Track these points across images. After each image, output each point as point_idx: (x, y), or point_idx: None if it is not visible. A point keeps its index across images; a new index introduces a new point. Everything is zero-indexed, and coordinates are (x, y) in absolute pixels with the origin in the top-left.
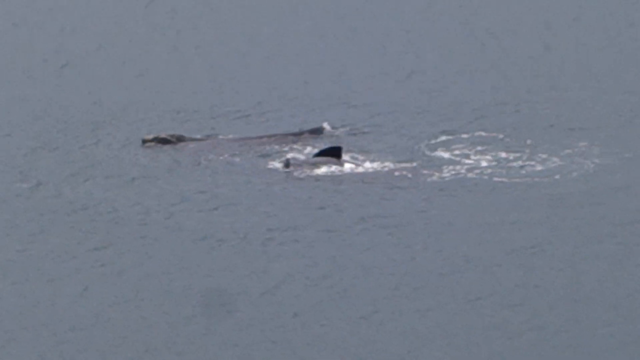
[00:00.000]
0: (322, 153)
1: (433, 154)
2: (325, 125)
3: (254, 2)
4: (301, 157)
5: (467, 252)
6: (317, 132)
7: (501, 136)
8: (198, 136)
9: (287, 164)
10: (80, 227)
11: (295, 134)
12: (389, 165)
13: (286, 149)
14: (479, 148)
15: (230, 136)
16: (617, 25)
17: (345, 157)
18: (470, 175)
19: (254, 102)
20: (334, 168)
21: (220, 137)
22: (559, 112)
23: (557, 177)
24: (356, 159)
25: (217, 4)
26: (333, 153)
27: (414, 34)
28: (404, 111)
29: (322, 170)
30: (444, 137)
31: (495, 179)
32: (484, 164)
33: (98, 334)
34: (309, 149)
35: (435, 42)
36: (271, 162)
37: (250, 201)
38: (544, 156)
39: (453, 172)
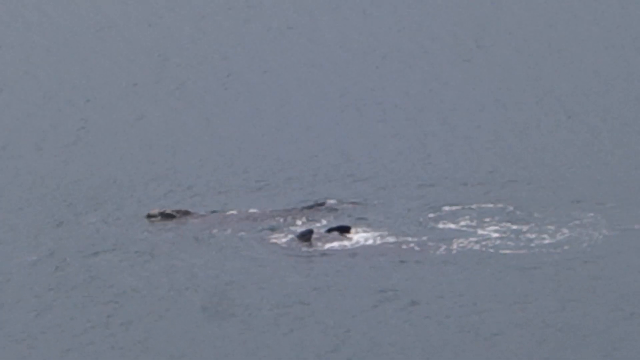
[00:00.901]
0: (332, 230)
1: (439, 226)
2: (329, 201)
3: (259, 74)
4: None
5: (477, 325)
6: (320, 205)
7: (510, 208)
8: (203, 212)
9: (306, 236)
10: (87, 302)
11: (300, 209)
12: (396, 238)
13: (293, 223)
14: (486, 219)
15: (235, 211)
16: (623, 89)
17: (352, 232)
18: (477, 247)
19: (258, 176)
20: (343, 242)
21: (226, 212)
22: (566, 183)
23: (566, 247)
24: (364, 232)
25: (223, 75)
26: (342, 230)
27: (417, 104)
28: (408, 183)
29: (331, 244)
30: (449, 209)
31: (503, 251)
32: (491, 235)
33: None
34: (315, 223)
35: (439, 112)
36: (277, 237)
37: (257, 277)
38: (552, 227)
39: (461, 245)
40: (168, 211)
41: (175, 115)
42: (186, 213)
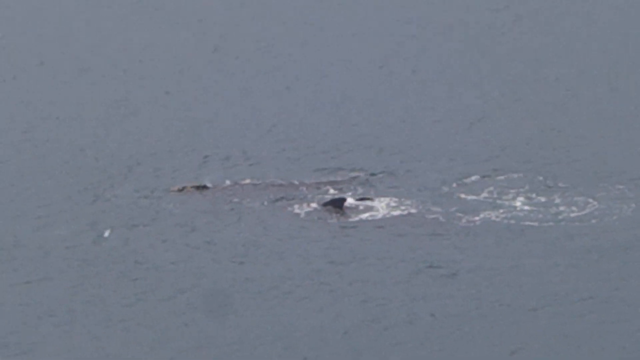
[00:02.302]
0: (328, 203)
1: (467, 197)
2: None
3: (296, 45)
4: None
5: (512, 299)
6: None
7: (540, 178)
8: (230, 184)
9: (337, 203)
10: (123, 277)
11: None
12: (421, 208)
13: (322, 193)
14: (515, 190)
15: (266, 182)
16: None
17: (348, 203)
18: (506, 218)
19: (292, 147)
20: (370, 212)
21: (257, 183)
22: (596, 156)
23: (594, 221)
24: (392, 202)
25: (260, 46)
26: (337, 203)
27: (449, 75)
28: (436, 153)
29: (359, 214)
30: (478, 179)
31: (531, 222)
32: (518, 207)
33: None
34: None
35: (470, 82)
36: (306, 207)
37: (287, 248)
38: (581, 200)
39: (489, 216)
40: (189, 187)
41: (212, 86)
42: (204, 188)
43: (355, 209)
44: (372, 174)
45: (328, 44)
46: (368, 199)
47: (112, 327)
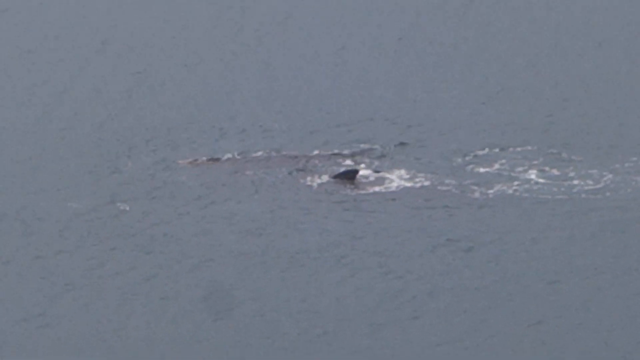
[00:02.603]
0: (341, 175)
1: (481, 170)
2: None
3: (318, 18)
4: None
5: (532, 271)
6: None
7: (554, 151)
8: (239, 155)
9: (350, 174)
10: (127, 249)
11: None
12: (435, 181)
13: (336, 164)
14: (528, 163)
15: (280, 154)
16: None
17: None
18: (520, 191)
19: (296, 119)
20: (383, 184)
21: (271, 155)
22: (610, 127)
23: (608, 193)
24: (403, 174)
25: (281, 18)
26: (349, 175)
27: (465, 48)
28: (450, 125)
29: (372, 186)
30: (493, 152)
31: (544, 196)
32: (532, 179)
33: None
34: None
35: (487, 56)
36: (319, 179)
37: (302, 220)
38: (595, 172)
39: (503, 188)
40: (199, 161)
41: (230, 59)
42: (216, 160)
43: (368, 181)
44: (386, 147)
45: (346, 17)
46: (381, 171)
47: (130, 300)
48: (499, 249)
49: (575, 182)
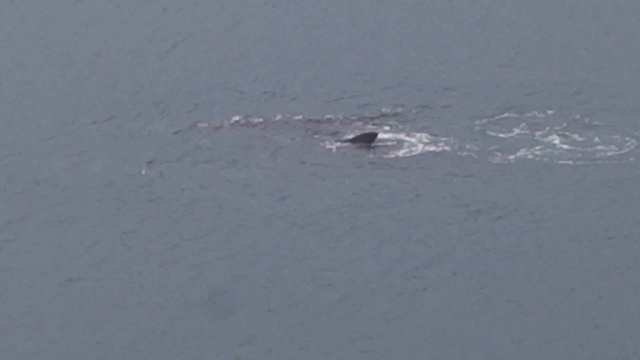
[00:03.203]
0: (359, 138)
1: (500, 134)
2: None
3: None
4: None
5: (542, 237)
6: (370, 138)
7: (577, 116)
8: (255, 119)
9: (369, 137)
10: (146, 213)
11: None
12: (455, 145)
13: (342, 130)
14: (549, 128)
15: (291, 117)
16: None
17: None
18: (540, 156)
19: (317, 83)
20: (402, 148)
21: (289, 118)
22: (633, 91)
23: (631, 159)
24: (425, 139)
25: None
26: (368, 138)
27: (484, 12)
28: (470, 90)
29: (390, 150)
30: (511, 115)
31: (565, 161)
32: (555, 144)
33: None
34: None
35: (506, 20)
36: (331, 143)
37: (321, 185)
38: (617, 137)
39: (522, 153)
40: (219, 125)
41: (272, 22)
42: (237, 124)
43: (386, 145)
44: (405, 110)
45: None
46: (399, 134)
47: (149, 264)
48: (518, 214)
49: (598, 147)
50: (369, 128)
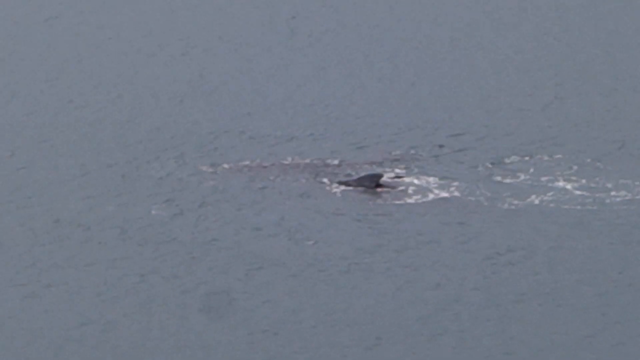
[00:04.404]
0: (364, 179)
1: (509, 180)
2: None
3: (331, 32)
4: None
5: (567, 281)
6: (375, 179)
7: (588, 159)
8: (264, 161)
9: (373, 178)
10: (152, 254)
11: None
12: (464, 190)
13: (347, 172)
14: (559, 172)
15: (297, 160)
16: None
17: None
18: (551, 201)
19: (327, 126)
20: (406, 193)
21: (285, 161)
22: None
23: None
24: (432, 182)
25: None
26: (373, 179)
27: (492, 58)
28: (477, 133)
29: (392, 194)
30: (522, 159)
31: (579, 207)
32: (565, 188)
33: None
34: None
35: (514, 65)
36: (337, 187)
37: (319, 227)
38: (628, 182)
39: (534, 198)
40: (221, 168)
41: (287, 63)
42: (246, 166)
43: (391, 188)
44: (414, 154)
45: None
46: (403, 176)
47: (158, 305)
48: (533, 260)
49: (609, 192)
50: (374, 170)
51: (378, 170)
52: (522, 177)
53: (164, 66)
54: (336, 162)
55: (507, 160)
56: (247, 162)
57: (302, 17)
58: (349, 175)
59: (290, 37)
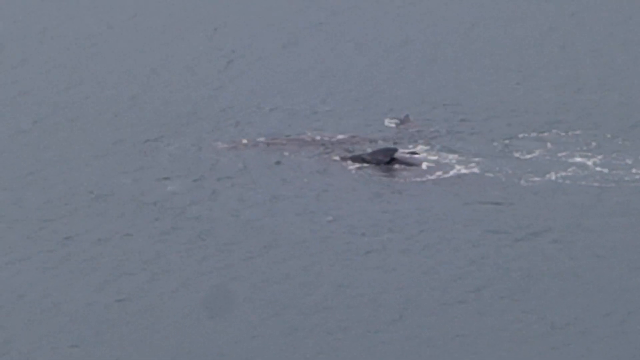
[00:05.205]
0: (378, 153)
1: (528, 155)
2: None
3: (350, 8)
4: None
5: (587, 260)
6: (404, 121)
7: (608, 135)
8: (280, 137)
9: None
10: (167, 228)
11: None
12: (481, 166)
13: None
14: (579, 148)
15: (316, 136)
16: None
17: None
18: (571, 178)
19: (336, 101)
20: (421, 168)
21: (301, 136)
22: None
23: None
24: (447, 160)
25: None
26: (387, 153)
27: (506, 31)
28: (494, 109)
29: (410, 170)
30: (541, 135)
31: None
32: (587, 164)
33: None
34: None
35: (532, 43)
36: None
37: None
38: None
39: (554, 174)
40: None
41: (325, 44)
42: (263, 142)
43: (406, 164)
44: (431, 131)
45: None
46: (417, 153)
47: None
48: (552, 237)
49: (630, 169)
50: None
51: (393, 145)
52: (541, 153)
53: (181, 42)
54: (352, 137)
55: (525, 137)
56: (263, 138)
57: None
58: (363, 150)
59: (306, 13)
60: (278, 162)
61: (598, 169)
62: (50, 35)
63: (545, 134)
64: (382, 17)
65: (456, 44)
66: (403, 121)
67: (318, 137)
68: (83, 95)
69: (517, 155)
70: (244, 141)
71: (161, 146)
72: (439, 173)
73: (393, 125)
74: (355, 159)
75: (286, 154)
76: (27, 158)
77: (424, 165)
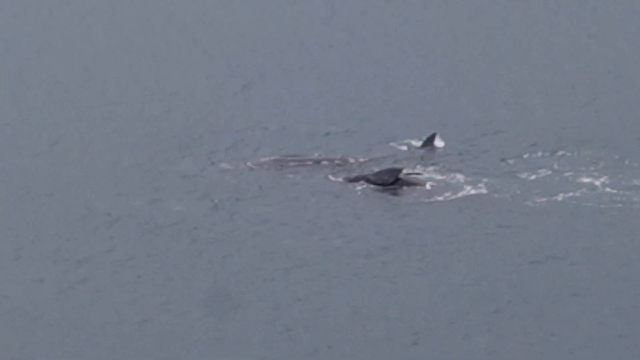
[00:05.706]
0: (380, 173)
1: (534, 176)
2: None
3: (361, 23)
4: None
5: (596, 284)
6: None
7: (616, 156)
8: (287, 158)
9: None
10: (181, 250)
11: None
12: (487, 186)
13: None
14: (587, 168)
15: (320, 156)
16: None
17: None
18: (579, 199)
19: (352, 121)
20: (424, 188)
21: (307, 156)
22: None
23: None
24: (454, 179)
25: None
26: (391, 174)
27: (516, 50)
28: (499, 130)
29: (412, 191)
30: (549, 155)
31: (604, 204)
32: (595, 184)
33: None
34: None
35: (540, 59)
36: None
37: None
38: None
39: (561, 196)
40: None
41: (346, 62)
42: (267, 162)
43: (412, 184)
44: (438, 152)
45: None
46: (420, 173)
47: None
48: (563, 259)
49: (638, 190)
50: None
51: (398, 166)
52: (549, 173)
53: (195, 63)
54: (360, 158)
55: (532, 157)
56: (274, 157)
57: (335, 13)
58: (371, 171)
59: (319, 34)
60: (288, 183)
61: (607, 190)
62: (68, 54)
63: (554, 154)
64: (393, 36)
65: (468, 62)
66: (428, 141)
67: (326, 158)
68: (95, 116)
69: (525, 175)
70: (255, 161)
71: (174, 167)
72: (446, 194)
73: (419, 144)
74: (360, 179)
75: (294, 174)
76: (44, 179)
77: (430, 185)
